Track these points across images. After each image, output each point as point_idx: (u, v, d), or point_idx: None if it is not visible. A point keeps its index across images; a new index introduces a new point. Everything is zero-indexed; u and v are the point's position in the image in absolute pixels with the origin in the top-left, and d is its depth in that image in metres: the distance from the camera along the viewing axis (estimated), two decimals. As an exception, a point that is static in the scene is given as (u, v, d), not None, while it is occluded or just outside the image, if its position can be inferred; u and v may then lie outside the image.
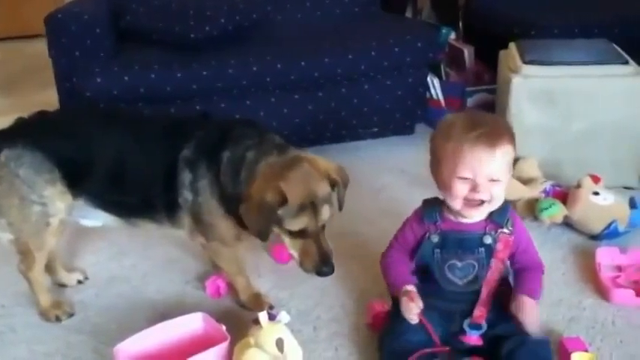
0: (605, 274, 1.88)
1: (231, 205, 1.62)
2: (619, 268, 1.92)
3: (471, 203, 1.48)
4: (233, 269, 1.80)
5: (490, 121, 1.49)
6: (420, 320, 1.50)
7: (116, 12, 2.68)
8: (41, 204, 1.67)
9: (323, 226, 1.62)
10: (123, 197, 1.72)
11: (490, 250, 1.52)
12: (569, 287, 1.85)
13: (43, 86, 2.96)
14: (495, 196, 1.47)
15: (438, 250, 1.54)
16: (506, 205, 1.55)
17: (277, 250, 1.97)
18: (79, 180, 1.69)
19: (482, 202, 1.47)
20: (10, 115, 1.83)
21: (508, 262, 1.59)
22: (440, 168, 1.49)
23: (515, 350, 1.44)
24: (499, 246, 1.52)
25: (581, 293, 1.82)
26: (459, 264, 1.53)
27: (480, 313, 1.52)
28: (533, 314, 1.48)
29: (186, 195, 1.66)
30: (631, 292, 1.76)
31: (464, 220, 1.54)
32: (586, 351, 1.52)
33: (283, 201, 1.54)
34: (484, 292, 1.53)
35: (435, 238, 1.54)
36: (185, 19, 2.60)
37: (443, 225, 1.55)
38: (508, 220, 1.54)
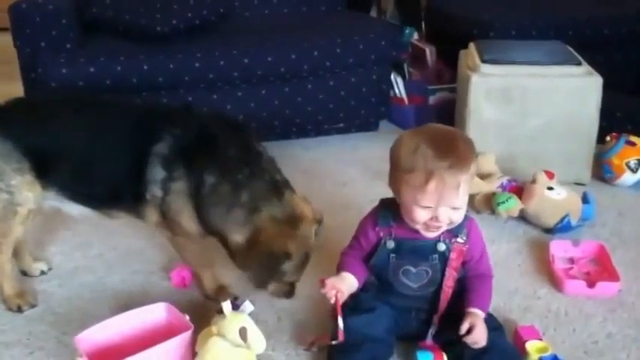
0: (559, 266, 1.93)
1: (209, 228, 1.66)
2: (571, 260, 1.98)
3: (430, 227, 1.45)
4: (199, 262, 1.80)
5: (455, 146, 1.40)
6: (336, 308, 1.50)
7: (82, 3, 2.64)
8: (8, 192, 1.66)
9: None
10: (90, 189, 1.70)
11: (444, 258, 1.50)
12: (524, 278, 1.90)
13: (9, 78, 2.90)
14: (455, 220, 1.44)
15: (393, 255, 1.53)
16: (465, 216, 1.50)
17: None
18: (47, 171, 1.67)
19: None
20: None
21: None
22: (401, 189, 1.44)
23: (481, 355, 1.44)
24: (453, 255, 1.50)
25: (536, 284, 1.87)
26: (414, 270, 1.52)
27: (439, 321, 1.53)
28: (482, 331, 1.45)
29: (155, 191, 1.63)
30: (582, 283, 1.81)
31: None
32: (540, 339, 1.56)
33: (289, 259, 1.63)
34: (442, 300, 1.52)
35: (391, 244, 1.52)
36: (152, 11, 2.58)
37: (397, 231, 1.52)
38: (464, 229, 1.51)
